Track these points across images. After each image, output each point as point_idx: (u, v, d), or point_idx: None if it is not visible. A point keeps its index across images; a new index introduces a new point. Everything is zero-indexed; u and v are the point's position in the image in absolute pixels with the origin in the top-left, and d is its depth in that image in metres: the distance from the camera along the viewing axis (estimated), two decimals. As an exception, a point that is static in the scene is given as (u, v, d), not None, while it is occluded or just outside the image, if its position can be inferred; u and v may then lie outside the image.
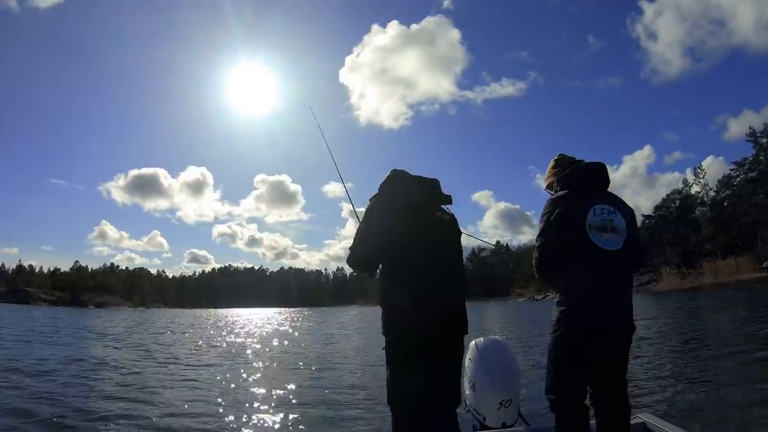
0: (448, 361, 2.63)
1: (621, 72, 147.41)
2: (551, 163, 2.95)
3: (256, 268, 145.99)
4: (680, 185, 64.81)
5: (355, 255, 2.71)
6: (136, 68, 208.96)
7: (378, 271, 2.72)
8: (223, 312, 66.26)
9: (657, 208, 65.68)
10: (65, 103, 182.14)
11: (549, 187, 2.92)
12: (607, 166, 2.83)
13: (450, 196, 2.84)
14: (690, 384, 6.31)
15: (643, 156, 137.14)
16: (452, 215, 2.84)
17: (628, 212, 2.72)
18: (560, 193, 2.74)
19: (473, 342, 3.48)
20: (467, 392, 3.41)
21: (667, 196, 65.68)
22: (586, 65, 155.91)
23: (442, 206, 2.81)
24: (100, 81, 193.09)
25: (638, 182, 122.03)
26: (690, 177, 63.67)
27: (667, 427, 3.04)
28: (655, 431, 3.09)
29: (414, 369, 2.51)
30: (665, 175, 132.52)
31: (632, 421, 2.96)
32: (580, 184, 2.72)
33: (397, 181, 2.77)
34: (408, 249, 2.57)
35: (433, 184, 2.79)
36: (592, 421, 2.68)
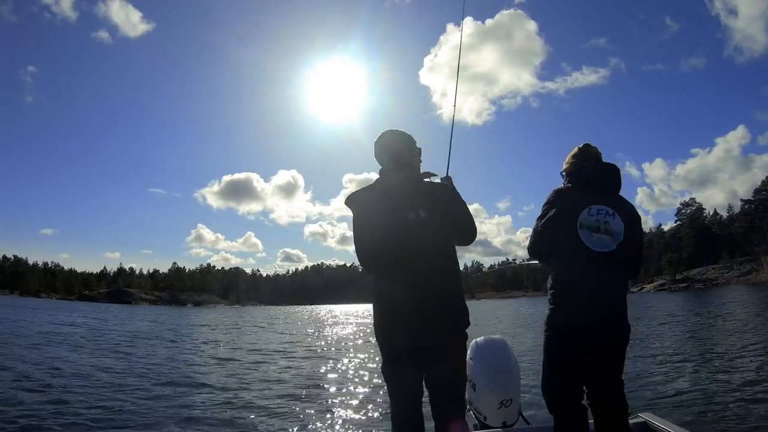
0: (428, 363, 2.55)
1: (703, 52, 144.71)
2: (574, 150, 2.96)
3: (348, 265, 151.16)
4: (780, 165, 60.33)
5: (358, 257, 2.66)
6: (224, 78, 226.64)
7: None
8: (326, 308, 69.87)
9: (757, 191, 62.29)
10: (161, 118, 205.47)
11: (565, 171, 2.97)
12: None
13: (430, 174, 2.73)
14: (694, 383, 6.24)
15: (736, 137, 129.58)
16: (441, 190, 2.65)
17: (630, 217, 2.72)
18: (564, 186, 2.86)
19: (474, 341, 3.56)
20: (467, 391, 3.47)
21: (767, 177, 61.74)
22: (667, 47, 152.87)
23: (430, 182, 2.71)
24: (190, 94, 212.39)
25: (733, 165, 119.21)
26: (790, 155, 58.79)
27: (668, 426, 3.02)
28: (656, 430, 3.07)
29: (395, 368, 2.59)
30: (761, 156, 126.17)
31: (633, 420, 3.00)
32: (586, 182, 2.79)
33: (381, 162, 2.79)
34: (381, 242, 2.51)
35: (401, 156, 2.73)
36: (591, 421, 2.74)
